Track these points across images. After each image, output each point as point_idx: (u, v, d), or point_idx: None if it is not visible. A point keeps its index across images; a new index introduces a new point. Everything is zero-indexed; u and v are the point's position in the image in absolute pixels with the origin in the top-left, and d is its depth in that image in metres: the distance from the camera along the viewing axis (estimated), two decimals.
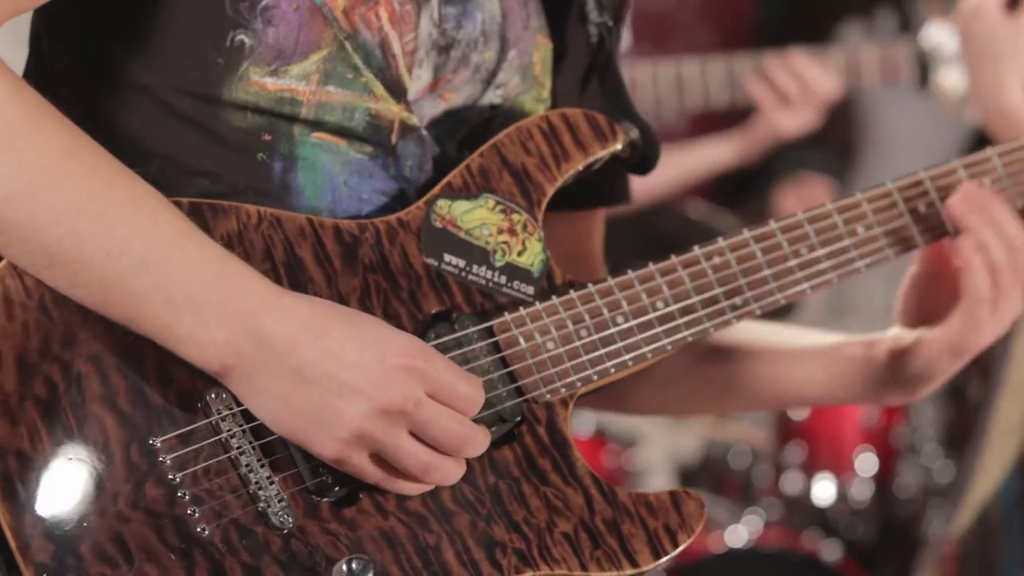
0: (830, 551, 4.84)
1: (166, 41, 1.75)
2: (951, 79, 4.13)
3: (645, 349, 1.84)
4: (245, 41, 1.75)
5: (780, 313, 5.45)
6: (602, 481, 1.78)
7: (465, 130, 1.89)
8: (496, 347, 1.78)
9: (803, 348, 2.06)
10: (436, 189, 1.82)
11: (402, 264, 1.78)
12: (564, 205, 1.96)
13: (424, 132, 1.84)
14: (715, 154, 4.75)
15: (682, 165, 4.74)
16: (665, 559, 1.77)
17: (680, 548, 1.78)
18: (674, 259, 1.86)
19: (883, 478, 5.13)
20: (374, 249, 1.77)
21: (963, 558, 3.37)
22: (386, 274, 1.77)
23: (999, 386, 3.26)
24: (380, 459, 1.67)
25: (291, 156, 1.78)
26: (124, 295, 1.62)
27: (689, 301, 1.86)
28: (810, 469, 5.16)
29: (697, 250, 1.88)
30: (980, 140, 5.64)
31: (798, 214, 1.93)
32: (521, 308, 1.80)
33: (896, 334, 2.03)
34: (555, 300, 1.81)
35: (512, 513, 1.75)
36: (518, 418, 1.78)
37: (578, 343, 1.81)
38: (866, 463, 5.13)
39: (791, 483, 5.19)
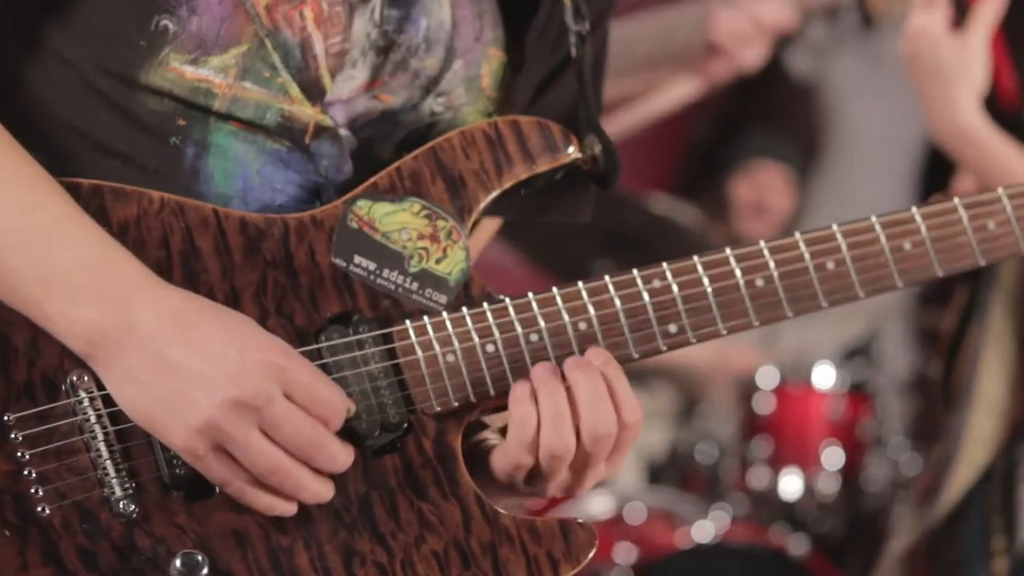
0: (798, 545, 4.82)
1: (93, 18, 1.74)
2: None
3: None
4: (169, 26, 1.74)
5: None
6: (486, 502, 1.73)
7: (403, 133, 1.85)
8: (391, 354, 1.74)
9: None
10: (359, 189, 1.78)
11: (307, 262, 1.74)
12: (521, 215, 1.93)
13: (343, 132, 1.81)
14: (677, 95, 4.74)
15: (648, 108, 4.72)
16: None
17: None
18: (606, 279, 1.80)
19: (850, 471, 5.12)
20: (279, 244, 1.74)
21: (932, 558, 3.37)
22: (288, 271, 1.74)
23: (971, 403, 3.26)
24: (230, 458, 1.65)
25: (204, 142, 1.77)
26: (0, 271, 1.63)
27: (616, 324, 1.79)
28: (777, 464, 5.15)
29: (635, 272, 1.80)
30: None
31: (760, 243, 1.84)
32: (426, 316, 1.76)
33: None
34: (464, 311, 1.76)
35: (379, 524, 1.71)
36: (403, 427, 1.74)
37: (481, 357, 1.76)
38: (833, 457, 5.12)
39: (758, 478, 5.17)
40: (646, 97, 4.71)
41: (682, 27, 4.38)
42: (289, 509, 1.68)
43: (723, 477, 5.36)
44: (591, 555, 1.74)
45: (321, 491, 1.68)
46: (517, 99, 1.92)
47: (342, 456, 1.68)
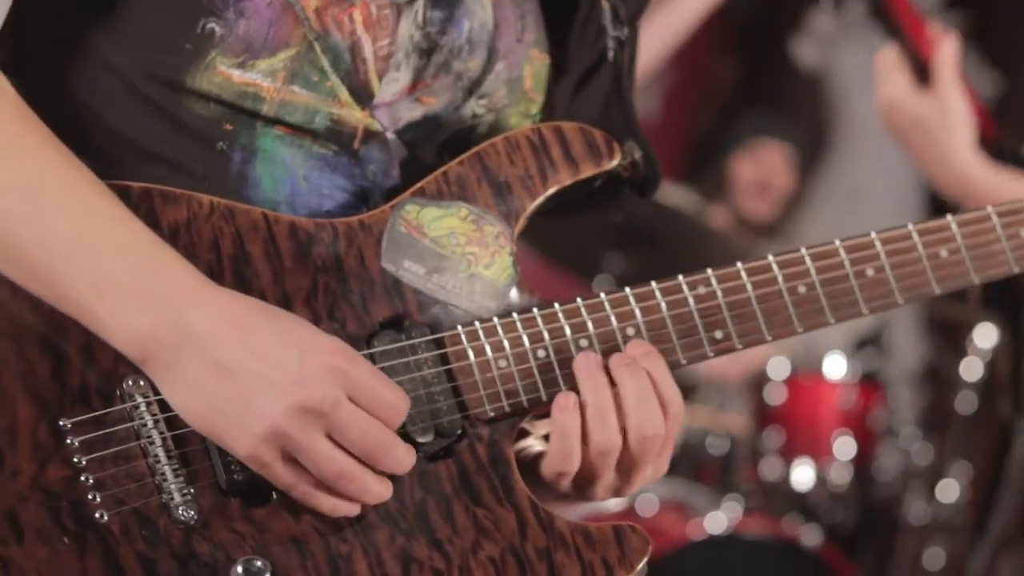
0: (810, 536, 4.82)
1: (137, 22, 1.72)
2: None
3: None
4: (216, 30, 1.72)
5: None
6: (540, 507, 1.72)
7: (445, 135, 1.84)
8: (444, 359, 1.74)
9: None
10: (407, 193, 1.77)
11: (357, 267, 1.74)
12: (555, 213, 1.91)
13: (390, 136, 1.80)
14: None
15: (674, 24, 4.69)
16: None
17: None
18: (653, 285, 1.80)
19: (862, 461, 5.12)
20: (329, 249, 1.73)
21: None
22: (338, 276, 1.73)
23: None
24: (295, 463, 1.63)
25: (251, 147, 1.76)
26: (52, 277, 1.60)
27: (663, 330, 1.79)
28: (788, 454, 5.15)
29: (681, 279, 1.80)
30: None
31: (801, 250, 1.84)
32: (477, 322, 1.75)
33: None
34: (515, 317, 1.76)
35: (436, 531, 1.70)
36: (457, 433, 1.73)
37: (532, 363, 1.75)
38: (844, 447, 5.12)
39: (770, 469, 5.17)
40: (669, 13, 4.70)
41: None
42: (353, 510, 1.66)
43: (735, 468, 5.36)
44: (645, 560, 1.73)
45: (383, 492, 1.67)
46: (558, 101, 1.92)
47: (407, 457, 1.67)
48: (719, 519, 4.86)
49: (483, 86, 1.85)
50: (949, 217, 1.88)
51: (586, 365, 1.74)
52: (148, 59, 1.72)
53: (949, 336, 5.60)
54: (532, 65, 1.89)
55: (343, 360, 1.62)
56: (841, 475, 5.09)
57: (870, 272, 1.84)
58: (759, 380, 5.28)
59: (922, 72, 2.80)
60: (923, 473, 5.14)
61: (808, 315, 1.82)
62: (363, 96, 1.78)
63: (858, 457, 5.10)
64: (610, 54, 1.90)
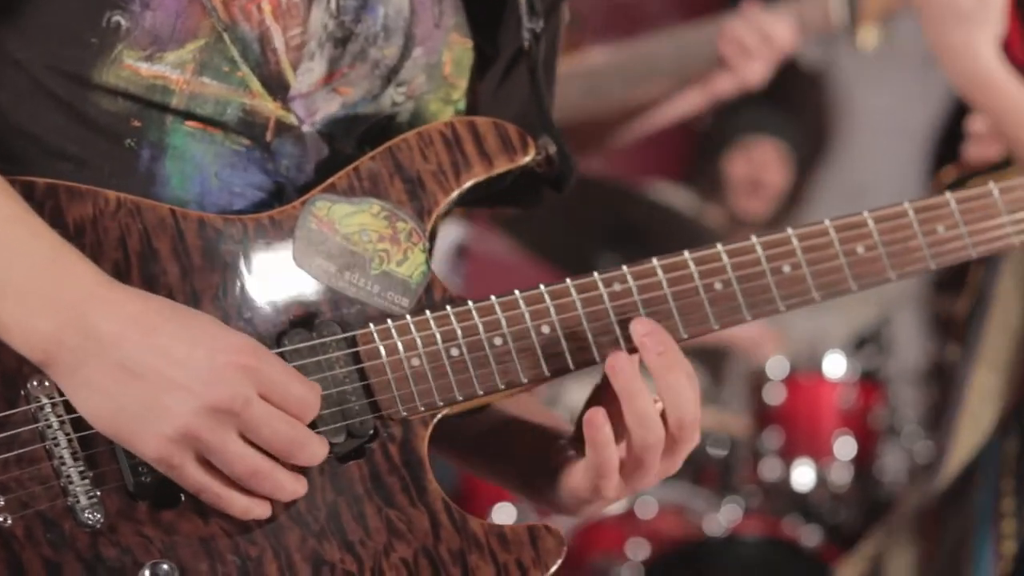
0: (810, 536, 4.79)
1: (42, 17, 1.69)
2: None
3: (521, 375, 1.74)
4: (121, 23, 1.69)
5: None
6: (454, 508, 1.70)
7: (363, 127, 1.81)
8: (356, 358, 1.70)
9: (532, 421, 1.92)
10: (317, 189, 1.74)
11: (266, 264, 1.70)
12: (475, 203, 1.88)
13: (306, 130, 1.77)
14: (680, 108, 4.74)
15: (653, 118, 4.73)
16: None
17: None
18: (568, 282, 1.76)
19: (863, 461, 5.07)
20: (238, 246, 1.69)
21: (942, 518, 3.35)
22: (248, 273, 1.69)
23: (975, 358, 3.22)
24: (205, 464, 1.60)
25: (160, 144, 1.72)
26: None
27: (579, 328, 1.76)
28: (788, 455, 5.11)
29: (596, 275, 1.77)
30: (954, 117, 5.61)
31: (718, 246, 1.80)
32: (389, 320, 1.72)
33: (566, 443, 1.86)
34: (428, 315, 1.72)
35: (347, 532, 1.67)
36: (369, 433, 1.70)
37: (446, 361, 1.72)
38: (845, 447, 5.08)
39: (770, 469, 5.13)
40: (650, 108, 4.73)
41: (699, 45, 4.40)
42: (265, 511, 1.63)
43: (735, 469, 5.32)
44: (559, 561, 1.71)
45: (299, 489, 1.64)
46: (484, 88, 1.88)
47: (321, 451, 1.64)
48: (718, 521, 4.84)
49: (401, 73, 1.82)
50: (865, 214, 1.84)
51: (624, 372, 1.72)
52: (53, 54, 1.69)
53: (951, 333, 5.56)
54: (452, 50, 1.86)
55: (252, 358, 1.59)
56: (842, 475, 5.04)
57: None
58: (758, 380, 5.24)
59: None
60: (926, 471, 5.09)
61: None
62: (276, 87, 1.75)
63: (859, 457, 5.06)
64: (525, 44, 1.86)
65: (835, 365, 5.13)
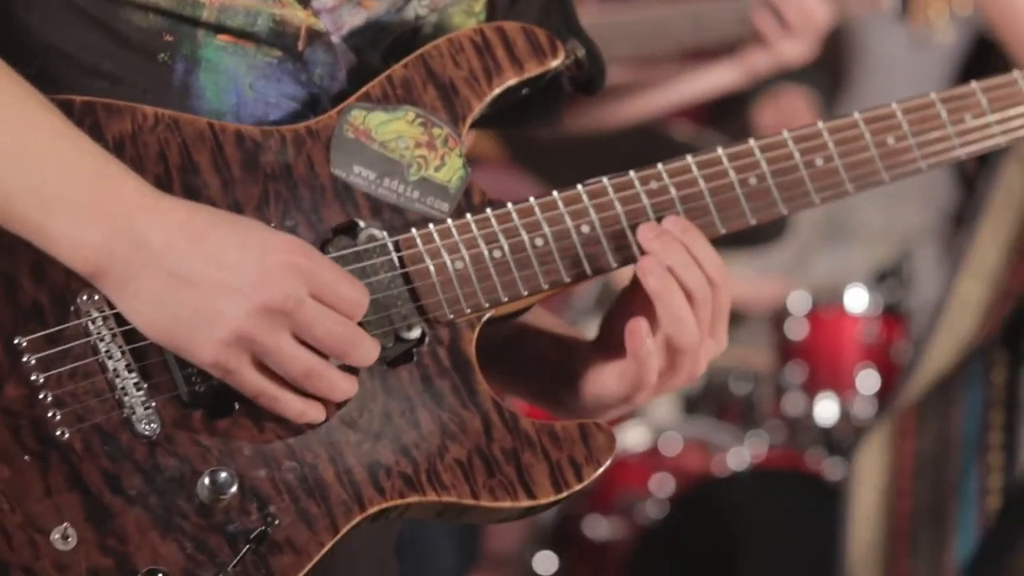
0: (833, 469, 4.82)
1: None
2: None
3: (564, 274, 1.76)
4: None
5: (770, 235, 5.42)
6: (505, 408, 1.71)
7: (389, 40, 1.82)
8: (400, 263, 1.72)
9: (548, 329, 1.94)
10: (352, 99, 1.75)
11: (307, 173, 1.71)
12: (491, 122, 1.89)
13: (335, 39, 1.78)
14: (716, 81, 4.76)
15: (683, 91, 4.75)
16: (567, 493, 1.71)
17: (585, 483, 1.71)
18: (605, 181, 1.78)
19: (886, 394, 5.09)
20: (277, 157, 1.71)
21: (919, 426, 3.38)
22: (288, 183, 1.71)
23: (961, 266, 3.26)
24: (260, 366, 1.61)
25: (193, 58, 1.73)
26: None
27: (618, 227, 1.78)
28: (811, 389, 5.14)
29: (632, 174, 1.79)
30: (966, 68, 5.62)
31: (750, 141, 1.82)
32: (431, 224, 1.73)
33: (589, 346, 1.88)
34: (469, 218, 1.74)
35: (401, 435, 1.68)
36: (417, 337, 1.71)
37: (489, 263, 1.74)
38: (868, 380, 5.10)
39: (792, 404, 5.16)
40: (683, 80, 4.74)
41: (717, 18, 4.40)
42: (319, 415, 1.65)
43: (758, 405, 5.36)
44: (611, 457, 1.73)
45: (351, 388, 1.65)
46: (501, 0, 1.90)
47: (374, 350, 1.65)
48: (742, 455, 4.87)
49: None
50: (894, 105, 1.87)
51: (655, 271, 1.74)
52: None
53: None
54: None
55: (302, 256, 1.60)
56: (865, 408, 5.07)
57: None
58: (780, 315, 5.27)
59: None
60: None
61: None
62: None
63: (882, 390, 5.08)
64: None
65: (857, 299, 5.15)
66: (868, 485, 3.43)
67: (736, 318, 5.84)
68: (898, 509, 3.43)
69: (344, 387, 1.64)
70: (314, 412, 1.65)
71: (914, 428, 3.39)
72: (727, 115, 6.39)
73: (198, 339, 1.58)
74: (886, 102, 1.90)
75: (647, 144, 5.01)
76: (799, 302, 5.22)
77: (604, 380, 1.80)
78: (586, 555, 5.01)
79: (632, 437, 5.14)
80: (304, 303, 1.59)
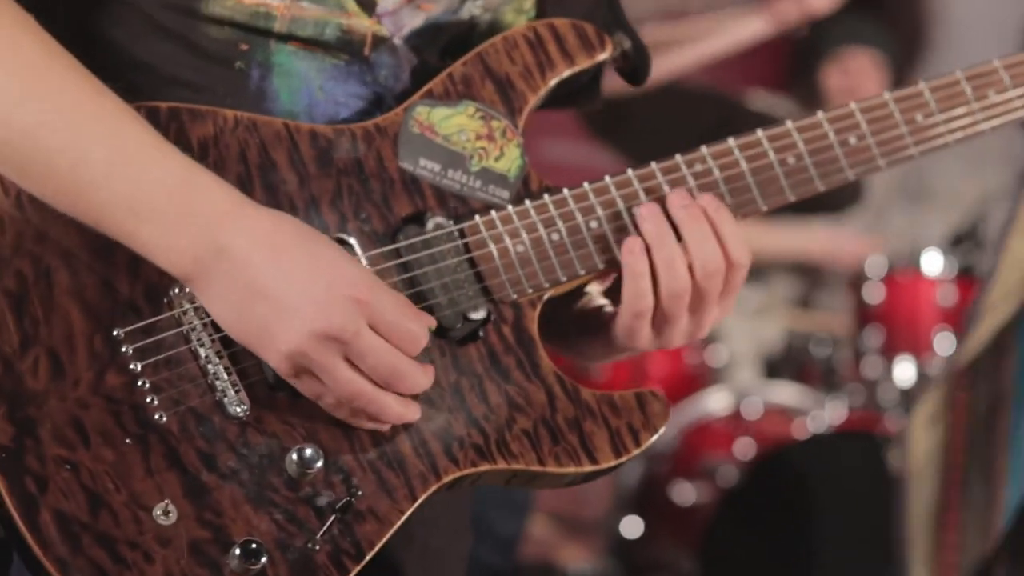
0: None
1: None
2: None
3: (618, 253, 1.87)
4: None
5: (845, 202, 5.45)
6: (567, 380, 1.83)
7: (446, 39, 1.93)
8: (465, 248, 1.84)
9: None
10: (416, 96, 1.87)
11: (376, 167, 1.84)
12: (561, 103, 2.01)
13: (397, 43, 1.90)
14: (745, 33, 4.79)
15: (715, 45, 4.78)
16: (626, 458, 1.83)
17: (642, 447, 1.83)
18: (653, 166, 1.89)
19: None
20: (349, 153, 1.83)
21: (973, 379, 3.44)
22: (360, 177, 1.83)
23: (1011, 225, 3.31)
24: (320, 379, 1.73)
25: (267, 64, 1.85)
26: (90, 203, 1.70)
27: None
28: (889, 352, 5.20)
29: (678, 158, 1.90)
30: None
31: (788, 123, 1.93)
32: (493, 211, 1.85)
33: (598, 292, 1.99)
34: (528, 204, 1.86)
35: (472, 409, 1.80)
36: (483, 317, 1.83)
37: (548, 246, 1.85)
38: (945, 342, 5.15)
39: (871, 367, 5.22)
40: (712, 33, 4.80)
41: None
42: (379, 427, 1.77)
43: (838, 368, 5.42)
44: (666, 423, 1.85)
45: (405, 413, 1.77)
46: None
47: (423, 381, 1.76)
48: (822, 419, 4.94)
49: None
50: (921, 84, 1.97)
51: (653, 225, 1.86)
52: None
53: None
54: None
55: (367, 292, 1.71)
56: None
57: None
58: (858, 280, 5.33)
59: None
60: None
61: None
62: (367, 4, 1.88)
63: None
64: None
65: (933, 263, 5.21)
66: (924, 442, 3.49)
67: (817, 282, 5.92)
68: (950, 462, 3.49)
69: (397, 411, 1.76)
70: (367, 425, 1.77)
71: (969, 382, 3.45)
72: (797, 80, 6.43)
73: (265, 346, 1.71)
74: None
75: (723, 114, 5.08)
76: (876, 266, 5.28)
77: (608, 318, 1.90)
78: (670, 518, 5.11)
79: (715, 402, 5.23)
80: (361, 335, 1.71)
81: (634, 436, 1.84)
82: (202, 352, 1.75)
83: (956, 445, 3.46)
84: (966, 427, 3.44)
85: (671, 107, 4.92)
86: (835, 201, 5.37)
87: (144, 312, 1.75)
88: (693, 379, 5.43)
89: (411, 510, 1.77)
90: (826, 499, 4.84)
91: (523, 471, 1.81)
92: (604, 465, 1.83)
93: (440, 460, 1.79)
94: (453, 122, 1.87)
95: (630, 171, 1.89)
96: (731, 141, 1.90)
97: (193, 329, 1.75)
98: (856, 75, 6.15)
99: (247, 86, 1.85)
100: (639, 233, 1.86)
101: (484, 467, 1.80)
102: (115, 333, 1.74)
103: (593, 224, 1.87)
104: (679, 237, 1.86)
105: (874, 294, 5.25)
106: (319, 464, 1.74)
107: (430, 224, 1.84)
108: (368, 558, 1.75)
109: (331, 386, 1.73)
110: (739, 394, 5.23)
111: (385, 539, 1.76)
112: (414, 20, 1.91)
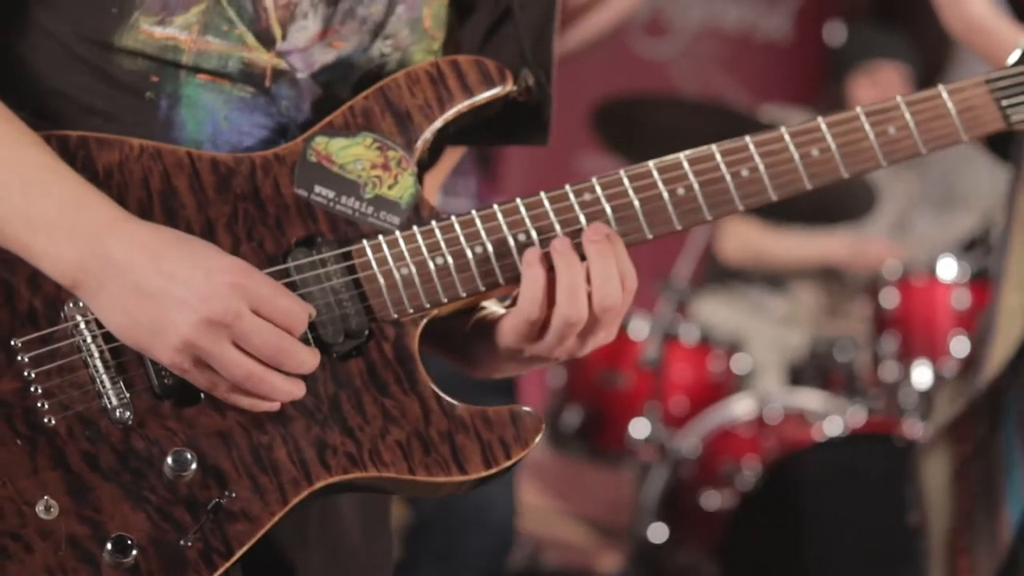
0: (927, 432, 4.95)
1: None
2: None
3: (500, 277, 1.97)
4: None
5: (859, 212, 5.49)
6: (443, 397, 1.94)
7: (358, 75, 2.06)
8: (351, 270, 1.96)
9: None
10: (316, 127, 2.00)
11: (273, 193, 1.97)
12: (474, 140, 2.15)
13: (300, 76, 2.03)
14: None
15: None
16: (496, 470, 1.92)
17: (513, 460, 1.93)
18: (542, 195, 1.99)
19: None
20: (247, 180, 1.96)
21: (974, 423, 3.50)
22: (256, 202, 1.96)
23: (1003, 280, 3.36)
24: (211, 368, 1.87)
25: (176, 95, 2.00)
26: None
27: (552, 235, 1.98)
28: (906, 357, 5.25)
29: (567, 187, 1.99)
30: None
31: (680, 156, 1.99)
32: (381, 236, 1.97)
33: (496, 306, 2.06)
34: (415, 229, 1.97)
35: (348, 420, 1.92)
36: (365, 334, 1.95)
37: (432, 269, 1.96)
38: (960, 346, 5.18)
39: (889, 372, 5.28)
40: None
41: None
42: (271, 406, 1.90)
43: (857, 373, 5.48)
44: (538, 438, 1.94)
45: (293, 390, 1.89)
46: (464, 39, 2.12)
47: (309, 359, 1.90)
48: (839, 422, 5.01)
49: (387, 28, 2.06)
50: (820, 120, 2.04)
51: (563, 246, 1.95)
52: (80, 23, 1.97)
53: None
54: (431, 6, 2.09)
55: (242, 276, 1.85)
56: None
57: (744, 173, 2.01)
58: (875, 284, 5.40)
59: None
60: None
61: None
62: (267, 40, 2.01)
63: (974, 355, 5.16)
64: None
65: (947, 268, 5.25)
66: (937, 477, 3.54)
67: (841, 289, 6.00)
68: (962, 489, 3.53)
69: (285, 388, 1.89)
70: (265, 404, 1.90)
71: (971, 429, 3.50)
72: (825, 91, 6.50)
73: (156, 343, 1.86)
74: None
75: (734, 128, 5.16)
76: (891, 272, 5.34)
77: (502, 325, 1.99)
78: (695, 523, 5.20)
79: (738, 409, 5.32)
80: (243, 316, 1.85)
81: (505, 449, 1.94)
82: (91, 362, 1.89)
83: (966, 472, 3.52)
84: (973, 452, 3.50)
85: (681, 120, 5.03)
86: (851, 210, 5.45)
87: (41, 323, 1.89)
88: (718, 387, 5.53)
89: (283, 512, 1.89)
90: (843, 501, 4.91)
91: (394, 479, 1.93)
92: (473, 476, 1.93)
93: (313, 467, 1.90)
94: (350, 152, 1.99)
95: (518, 200, 1.98)
96: (621, 172, 1.99)
97: (85, 340, 1.89)
98: (885, 87, 6.19)
99: (156, 116, 1.99)
100: (548, 255, 1.95)
101: (356, 474, 1.91)
102: (13, 342, 1.89)
103: (478, 249, 1.97)
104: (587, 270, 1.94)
105: (890, 299, 5.32)
106: (194, 467, 1.88)
107: (320, 247, 1.95)
108: (238, 556, 1.88)
109: (222, 371, 1.86)
110: (761, 400, 5.32)
111: (255, 539, 1.89)
112: (325, 57, 2.04)
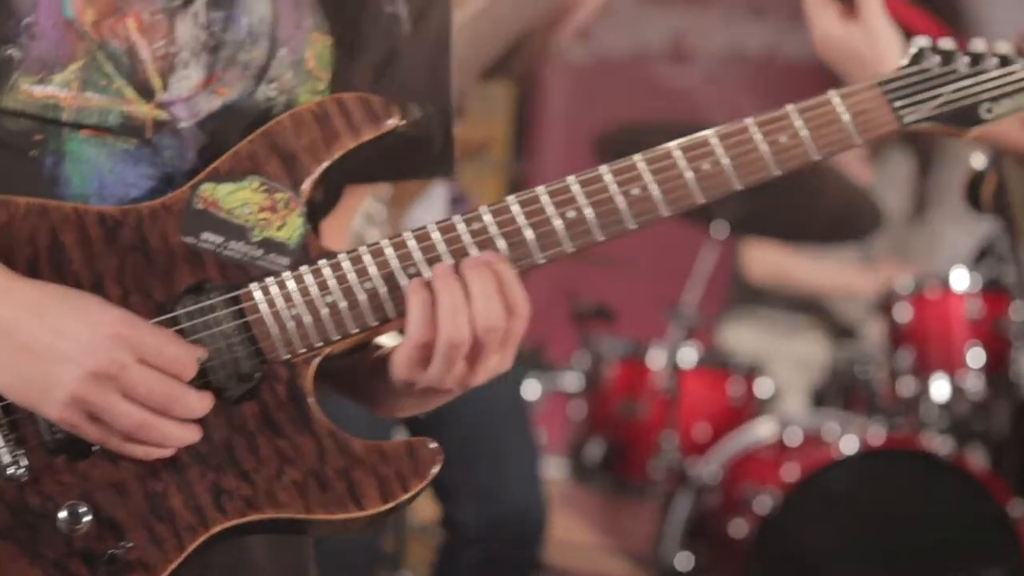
0: (946, 446, 4.92)
1: None
2: None
3: (391, 311, 1.97)
4: (14, 55, 1.99)
5: (871, 227, 5.48)
6: (338, 434, 1.94)
7: (246, 121, 2.06)
8: (240, 314, 1.96)
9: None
10: (203, 174, 2.01)
11: (160, 243, 1.97)
12: (377, 177, 2.16)
13: (183, 125, 2.04)
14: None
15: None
16: (394, 504, 1.92)
17: (411, 494, 1.93)
18: (429, 226, 1.99)
19: (997, 369, 5.14)
20: (134, 231, 1.97)
21: None
22: (144, 253, 1.97)
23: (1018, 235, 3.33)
24: (102, 421, 1.88)
25: (60, 151, 2.01)
26: None
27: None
28: (923, 370, 5.21)
29: (456, 217, 1.99)
30: None
31: (568, 179, 2.00)
32: (269, 278, 1.97)
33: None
34: (303, 269, 1.98)
35: (243, 463, 1.93)
36: (257, 377, 1.95)
37: (320, 307, 1.97)
38: (976, 356, 5.15)
39: (906, 386, 5.24)
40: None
41: None
42: (165, 452, 1.91)
43: (876, 390, 5.45)
44: (436, 470, 1.94)
45: (185, 436, 1.91)
46: (355, 77, 2.13)
47: (199, 403, 1.91)
48: (859, 441, 4.97)
49: (270, 71, 2.07)
50: (709, 132, 2.03)
51: (441, 270, 1.95)
52: None
53: None
54: (314, 47, 2.10)
55: (126, 327, 1.87)
56: (977, 385, 5.12)
57: (635, 192, 2.00)
58: (888, 299, 5.36)
59: (850, 3, 2.90)
60: None
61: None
62: (146, 92, 2.02)
63: (989, 364, 5.12)
64: (386, 29, 2.11)
65: (959, 279, 5.21)
66: None
67: (859, 307, 5.95)
68: None
69: (177, 435, 1.91)
70: (157, 452, 1.91)
71: None
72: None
73: (44, 400, 1.87)
74: None
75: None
76: (903, 287, 5.31)
77: (394, 357, 1.98)
78: (721, 550, 5.18)
79: (759, 432, 5.31)
80: (128, 368, 1.87)
81: (402, 483, 1.94)
82: None
83: None
84: None
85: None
86: (856, 230, 5.44)
87: None
88: (739, 412, 5.51)
89: (180, 559, 1.91)
90: (866, 518, 4.91)
91: (292, 519, 1.93)
92: (370, 511, 1.93)
93: (209, 512, 1.91)
94: (237, 196, 1.99)
95: (406, 233, 1.99)
96: (510, 199, 2.00)
97: None
98: None
99: (41, 173, 2.01)
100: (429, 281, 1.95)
101: (253, 516, 1.92)
102: None
103: (367, 285, 1.97)
104: (466, 293, 1.93)
105: (904, 314, 5.29)
106: (88, 519, 1.89)
107: (209, 293, 1.96)
108: None
109: (112, 423, 1.87)
110: (782, 423, 5.30)
111: None
112: (211, 104, 2.05)
